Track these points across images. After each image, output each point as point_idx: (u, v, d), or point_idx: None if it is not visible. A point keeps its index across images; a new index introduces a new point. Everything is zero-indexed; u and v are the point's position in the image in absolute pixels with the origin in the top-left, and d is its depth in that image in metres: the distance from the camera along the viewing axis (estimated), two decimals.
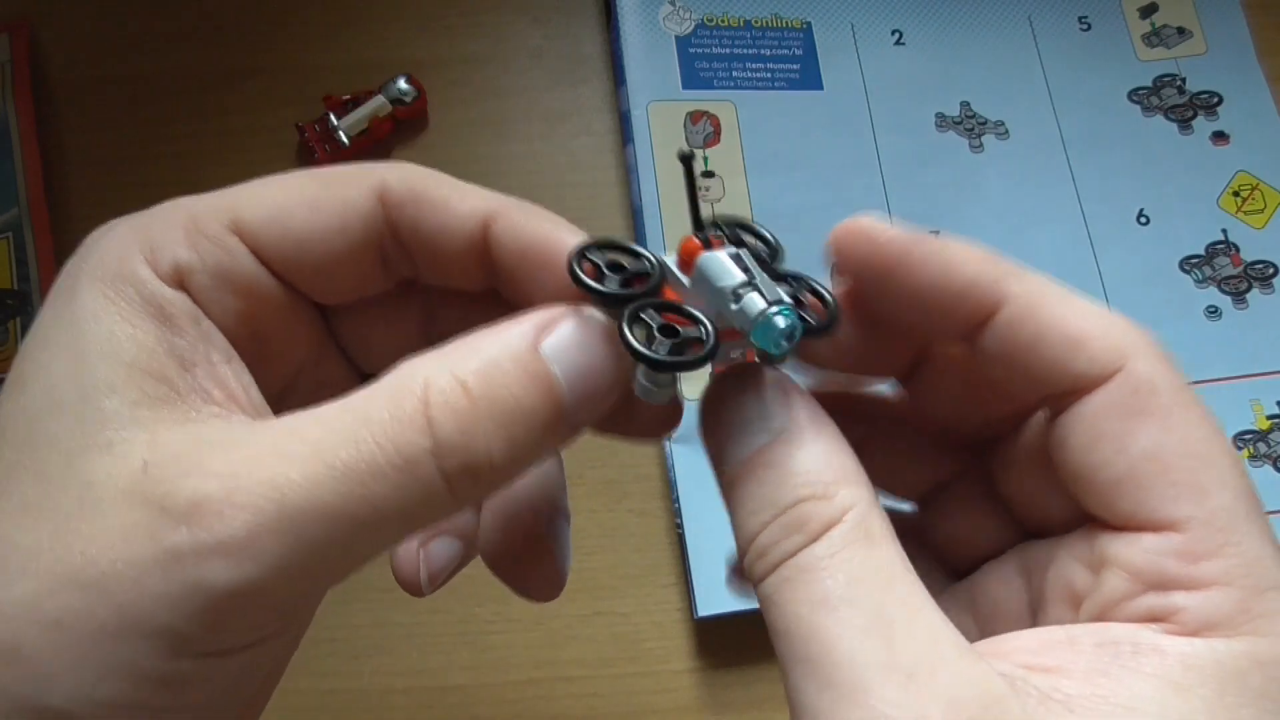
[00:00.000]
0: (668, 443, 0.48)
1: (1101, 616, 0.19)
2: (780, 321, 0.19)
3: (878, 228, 0.22)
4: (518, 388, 0.19)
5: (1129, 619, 0.19)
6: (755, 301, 0.19)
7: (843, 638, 0.18)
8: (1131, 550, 0.19)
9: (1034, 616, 0.22)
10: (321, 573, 0.18)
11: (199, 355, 0.20)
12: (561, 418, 0.19)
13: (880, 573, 0.18)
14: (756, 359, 0.22)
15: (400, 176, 0.22)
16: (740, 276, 0.20)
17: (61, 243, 0.51)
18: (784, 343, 0.19)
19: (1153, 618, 0.18)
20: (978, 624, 0.23)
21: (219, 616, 0.18)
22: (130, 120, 0.54)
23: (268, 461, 0.18)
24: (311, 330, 0.24)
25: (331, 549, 0.18)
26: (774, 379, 0.21)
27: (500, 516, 0.26)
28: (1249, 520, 0.19)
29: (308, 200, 0.22)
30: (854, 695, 0.17)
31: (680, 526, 0.47)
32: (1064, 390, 0.20)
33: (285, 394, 0.24)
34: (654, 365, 0.19)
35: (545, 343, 0.19)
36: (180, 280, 0.21)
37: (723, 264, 0.20)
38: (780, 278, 0.22)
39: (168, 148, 0.54)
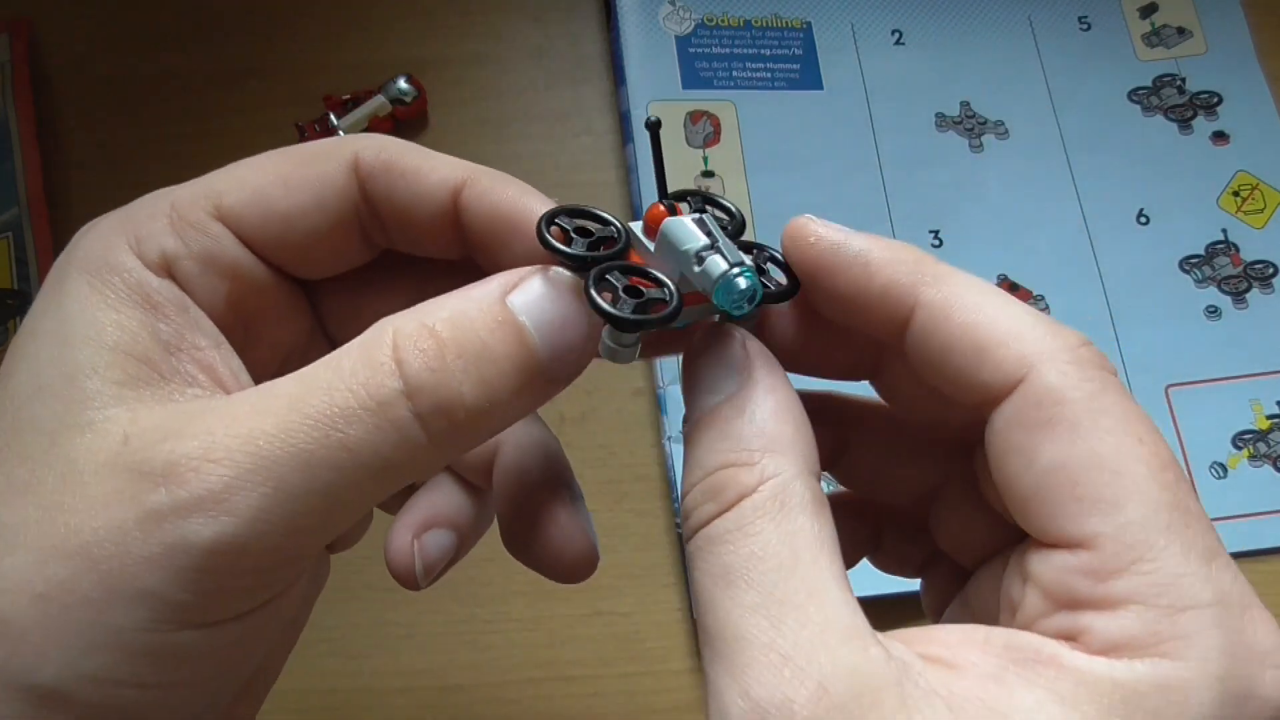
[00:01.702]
0: (667, 442, 0.48)
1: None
2: (741, 283, 0.19)
3: (811, 228, 0.22)
4: (485, 331, 0.19)
5: (1045, 635, 0.18)
6: (718, 263, 0.20)
7: (733, 614, 0.18)
8: (1045, 567, 0.19)
9: (995, 622, 0.21)
10: (303, 526, 0.18)
11: (185, 341, 0.21)
12: (535, 366, 0.20)
13: (784, 550, 0.18)
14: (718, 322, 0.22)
15: (372, 148, 0.23)
16: (703, 240, 0.20)
17: (61, 243, 0.50)
18: (745, 305, 0.20)
19: (1064, 637, 0.18)
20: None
21: (203, 577, 0.18)
22: (130, 120, 0.54)
23: (245, 417, 0.18)
24: (298, 311, 0.25)
25: (311, 499, 0.18)
26: (740, 340, 0.21)
27: (512, 501, 0.26)
28: (1168, 533, 0.18)
29: (285, 179, 0.22)
30: (733, 671, 0.17)
31: (680, 526, 0.47)
32: (977, 401, 0.20)
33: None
34: (617, 323, 0.20)
35: (512, 296, 0.20)
36: (167, 268, 0.21)
37: (686, 228, 0.20)
38: (744, 247, 0.22)
39: (168, 148, 0.54)
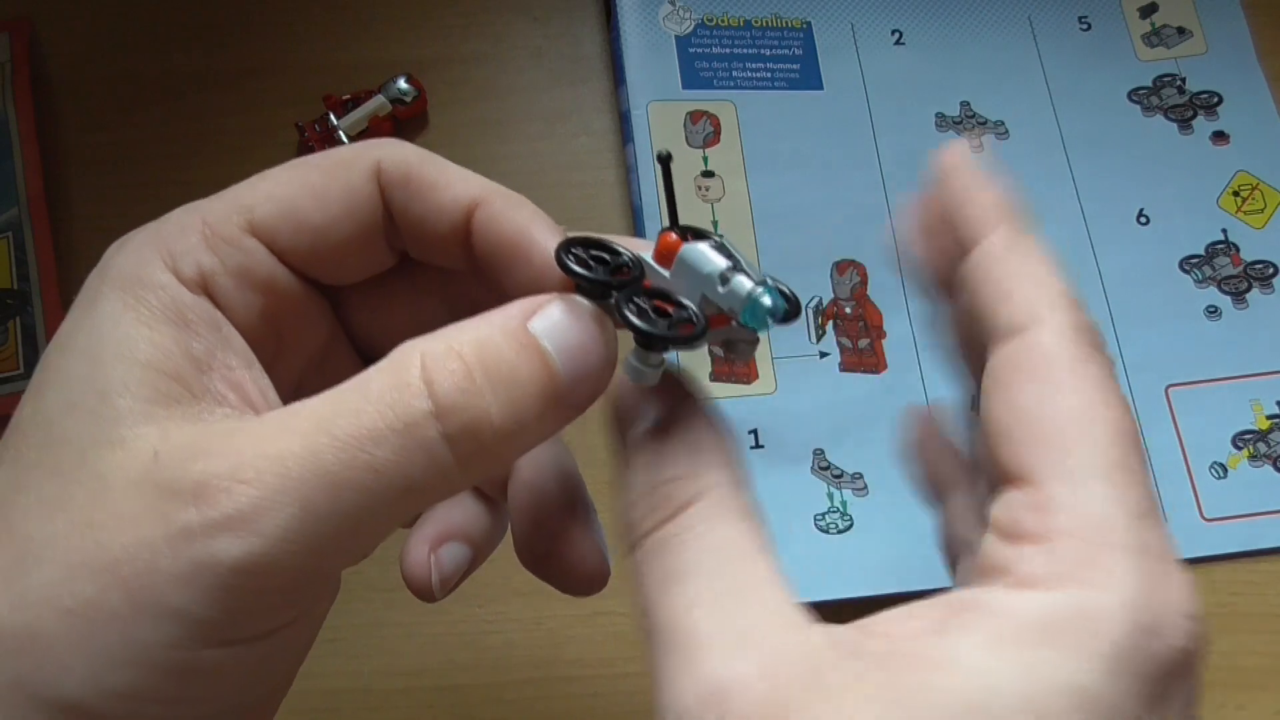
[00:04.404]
0: None
1: (979, 572, 0.20)
2: (767, 300, 0.21)
3: (960, 152, 0.25)
4: (511, 354, 0.19)
5: (987, 572, 0.19)
6: (744, 283, 0.21)
7: (685, 608, 0.19)
8: (998, 504, 0.20)
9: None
10: (330, 547, 0.19)
11: (216, 360, 0.21)
12: (557, 391, 0.20)
13: (725, 550, 0.20)
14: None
15: (393, 157, 0.23)
16: (726, 262, 0.21)
17: (61, 243, 0.51)
18: (769, 320, 0.21)
19: (1002, 570, 0.19)
20: None
21: (229, 596, 0.18)
22: (130, 120, 0.54)
23: (273, 438, 0.18)
24: (323, 316, 0.25)
25: (337, 520, 0.18)
26: (667, 381, 0.22)
27: (528, 515, 0.26)
28: (1105, 484, 0.18)
29: (314, 191, 0.23)
30: (690, 659, 0.18)
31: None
32: (988, 339, 0.21)
33: (298, 389, 0.25)
34: (650, 340, 0.20)
35: (533, 322, 0.20)
36: (202, 285, 0.21)
37: (707, 252, 0.21)
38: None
39: (168, 148, 0.54)
